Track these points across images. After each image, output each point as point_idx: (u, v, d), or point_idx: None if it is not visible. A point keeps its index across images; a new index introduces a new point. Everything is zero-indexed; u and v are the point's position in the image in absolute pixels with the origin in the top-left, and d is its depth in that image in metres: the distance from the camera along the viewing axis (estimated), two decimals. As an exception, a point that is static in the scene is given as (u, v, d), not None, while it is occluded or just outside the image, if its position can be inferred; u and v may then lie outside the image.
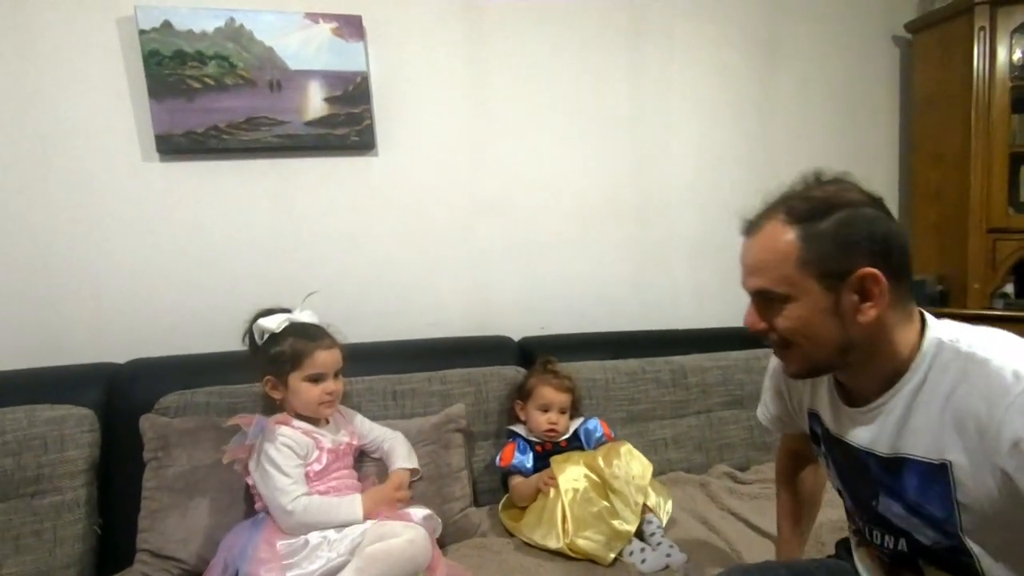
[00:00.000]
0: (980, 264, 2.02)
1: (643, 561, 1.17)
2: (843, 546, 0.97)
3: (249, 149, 1.64)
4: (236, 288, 1.65)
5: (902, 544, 0.74)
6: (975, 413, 0.62)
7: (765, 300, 0.72)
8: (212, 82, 1.58)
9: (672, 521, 1.35)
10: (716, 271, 2.08)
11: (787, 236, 0.69)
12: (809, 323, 0.69)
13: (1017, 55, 2.00)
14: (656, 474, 1.52)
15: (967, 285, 2.04)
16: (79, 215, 1.54)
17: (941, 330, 0.70)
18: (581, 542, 1.20)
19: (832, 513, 1.34)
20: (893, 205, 2.25)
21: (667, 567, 1.16)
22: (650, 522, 1.28)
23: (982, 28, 1.96)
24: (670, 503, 1.37)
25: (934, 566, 0.72)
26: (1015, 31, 1.96)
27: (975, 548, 0.67)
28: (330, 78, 1.66)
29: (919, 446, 0.68)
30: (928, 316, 0.72)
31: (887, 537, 0.76)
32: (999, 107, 1.97)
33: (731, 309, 2.09)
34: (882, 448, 0.72)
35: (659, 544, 1.21)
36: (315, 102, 1.66)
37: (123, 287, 1.59)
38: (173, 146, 1.58)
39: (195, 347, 1.55)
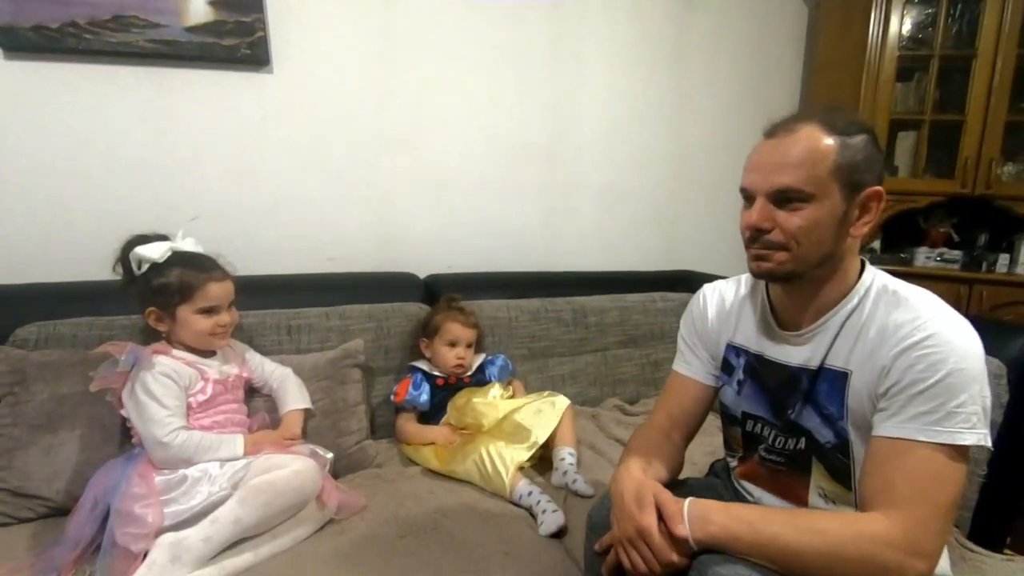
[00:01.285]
0: (854, 220, 2.22)
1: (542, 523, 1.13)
2: (719, 465, 1.08)
3: (118, 53, 1.44)
4: (105, 211, 1.50)
5: (802, 443, 0.86)
6: (883, 335, 0.76)
7: (781, 200, 0.77)
8: (67, -32, 1.36)
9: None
10: (622, 216, 2.15)
11: (827, 141, 0.75)
12: (819, 225, 0.76)
13: (906, 27, 2.13)
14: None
15: (841, 239, 2.24)
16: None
17: (877, 272, 0.82)
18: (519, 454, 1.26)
19: (704, 438, 1.50)
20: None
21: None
22: (572, 454, 1.32)
23: (880, -2, 2.06)
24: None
25: (823, 464, 0.85)
26: (907, 3, 2.08)
27: (855, 451, 0.80)
28: (215, -23, 1.48)
29: (837, 358, 0.81)
30: (867, 261, 0.84)
31: (790, 440, 0.87)
32: (886, 75, 2.11)
33: (634, 253, 2.19)
34: (813, 364, 0.83)
35: (575, 481, 1.24)
36: (197, 4, 1.47)
37: (-35, 205, 1.39)
38: (20, 41, 1.37)
39: (56, 275, 1.40)
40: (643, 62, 2.07)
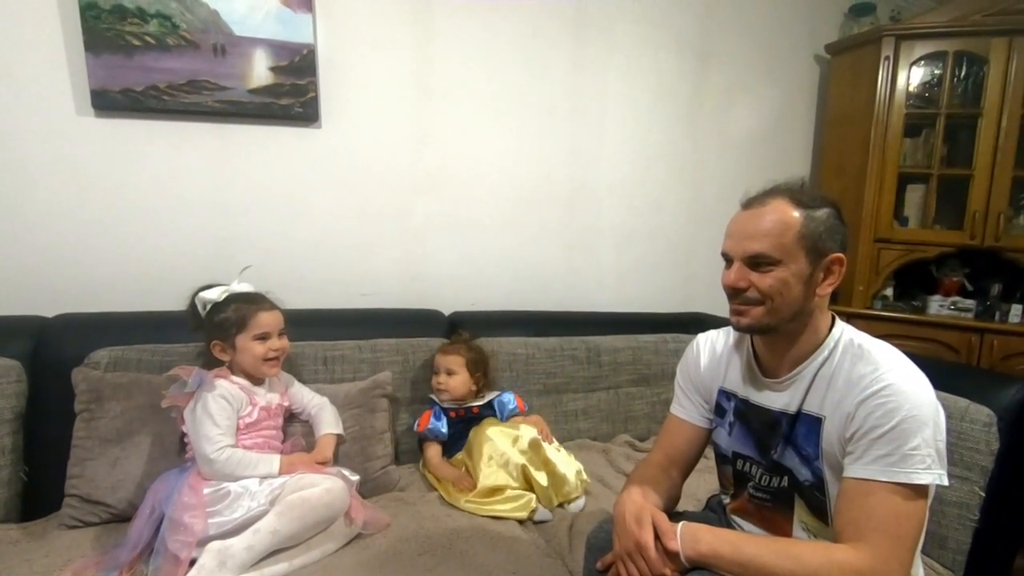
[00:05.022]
0: (866, 269, 2.29)
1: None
2: (714, 501, 1.17)
3: (190, 112, 1.65)
4: (170, 249, 1.68)
5: (785, 481, 0.94)
6: (849, 385, 0.85)
7: (754, 263, 0.88)
8: (153, 41, 1.58)
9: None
10: (638, 259, 2.26)
11: (793, 213, 0.87)
12: (787, 285, 0.86)
13: (914, 85, 2.23)
14: (565, 441, 1.70)
15: (853, 287, 2.31)
16: (5, 163, 1.52)
17: (846, 327, 0.92)
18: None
19: (710, 476, 1.57)
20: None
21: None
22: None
23: (887, 57, 2.18)
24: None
25: (803, 501, 0.93)
26: (914, 63, 2.19)
27: (830, 489, 0.88)
28: (276, 47, 1.68)
29: (813, 405, 0.90)
30: (837, 316, 0.95)
31: (774, 478, 0.96)
32: (894, 130, 2.20)
33: (649, 295, 2.29)
34: (791, 409, 0.92)
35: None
36: (260, 70, 1.68)
37: (51, 241, 1.58)
38: (109, 102, 1.57)
39: (124, 305, 1.58)
40: (660, 114, 2.21)
